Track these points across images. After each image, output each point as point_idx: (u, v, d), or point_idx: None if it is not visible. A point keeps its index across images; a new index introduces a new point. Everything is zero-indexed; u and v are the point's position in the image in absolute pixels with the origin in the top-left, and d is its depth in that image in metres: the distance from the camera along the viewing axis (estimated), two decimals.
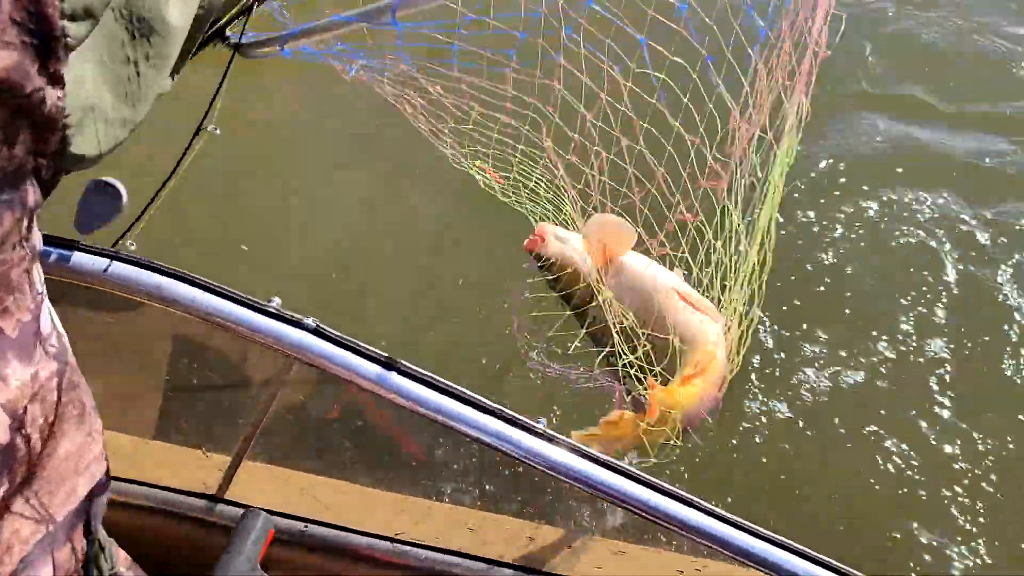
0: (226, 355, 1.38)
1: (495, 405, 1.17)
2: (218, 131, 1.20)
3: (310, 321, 1.16)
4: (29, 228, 0.52)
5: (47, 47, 0.47)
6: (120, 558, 0.77)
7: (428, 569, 1.47)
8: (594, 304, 1.84)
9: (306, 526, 1.52)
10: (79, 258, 1.09)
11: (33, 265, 0.54)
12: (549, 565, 1.43)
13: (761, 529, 1.14)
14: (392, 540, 1.50)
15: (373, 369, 1.15)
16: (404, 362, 1.17)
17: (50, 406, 0.57)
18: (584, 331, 1.84)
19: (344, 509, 1.54)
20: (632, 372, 1.70)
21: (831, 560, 1.12)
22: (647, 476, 1.18)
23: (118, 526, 0.82)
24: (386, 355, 1.16)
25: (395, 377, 1.16)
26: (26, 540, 0.55)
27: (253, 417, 1.37)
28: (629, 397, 1.70)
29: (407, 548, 1.49)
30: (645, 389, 1.68)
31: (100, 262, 1.10)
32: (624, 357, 1.70)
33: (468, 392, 1.17)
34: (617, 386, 1.72)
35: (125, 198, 1.06)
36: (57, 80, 0.49)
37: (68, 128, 0.54)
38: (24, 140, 0.48)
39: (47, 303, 0.57)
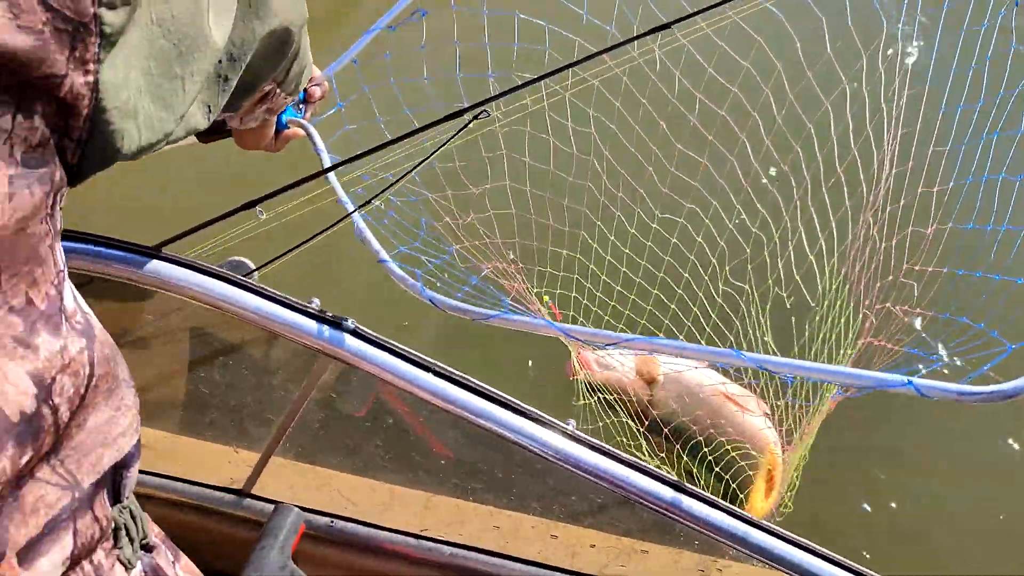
0: (259, 354, 1.41)
1: (527, 407, 1.20)
2: (263, 215, 1.25)
3: (349, 322, 1.18)
4: (54, 206, 0.54)
5: (77, 33, 0.48)
6: (154, 531, 0.78)
7: (453, 565, 1.50)
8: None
9: (332, 521, 1.55)
10: (126, 255, 1.12)
11: (56, 242, 0.56)
12: (572, 563, 1.46)
13: (781, 530, 1.17)
14: (418, 536, 1.53)
15: (409, 370, 1.18)
16: (438, 363, 1.19)
17: (82, 379, 0.59)
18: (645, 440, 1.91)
19: (370, 506, 1.57)
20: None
21: (849, 562, 1.14)
22: (672, 477, 1.21)
23: None
24: (421, 356, 1.19)
25: (430, 378, 1.19)
26: (51, 505, 0.57)
27: (284, 415, 1.39)
28: None
29: (433, 544, 1.52)
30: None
31: (145, 261, 1.12)
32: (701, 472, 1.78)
33: (500, 393, 1.20)
34: None
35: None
36: (85, 65, 0.50)
37: (110, 126, 0.55)
38: (45, 113, 0.49)
39: (68, 282, 0.59)
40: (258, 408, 1.48)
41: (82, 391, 0.59)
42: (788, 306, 1.93)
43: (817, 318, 1.90)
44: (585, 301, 2.04)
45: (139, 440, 0.70)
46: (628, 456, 1.21)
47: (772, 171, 1.93)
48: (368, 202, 1.31)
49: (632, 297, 2.04)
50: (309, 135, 1.31)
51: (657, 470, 1.17)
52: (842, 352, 1.83)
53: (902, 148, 1.73)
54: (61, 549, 0.59)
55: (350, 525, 1.54)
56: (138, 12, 0.54)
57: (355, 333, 1.19)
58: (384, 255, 1.22)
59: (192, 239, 1.23)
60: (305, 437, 1.52)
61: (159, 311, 1.32)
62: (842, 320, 1.85)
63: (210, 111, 0.70)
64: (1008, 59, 1.58)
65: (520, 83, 1.34)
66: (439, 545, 1.52)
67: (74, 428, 0.59)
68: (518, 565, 1.48)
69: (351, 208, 1.31)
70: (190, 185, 2.79)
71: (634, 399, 1.95)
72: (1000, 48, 1.59)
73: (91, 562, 0.65)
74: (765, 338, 1.90)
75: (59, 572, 0.60)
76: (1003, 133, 1.57)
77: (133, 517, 0.72)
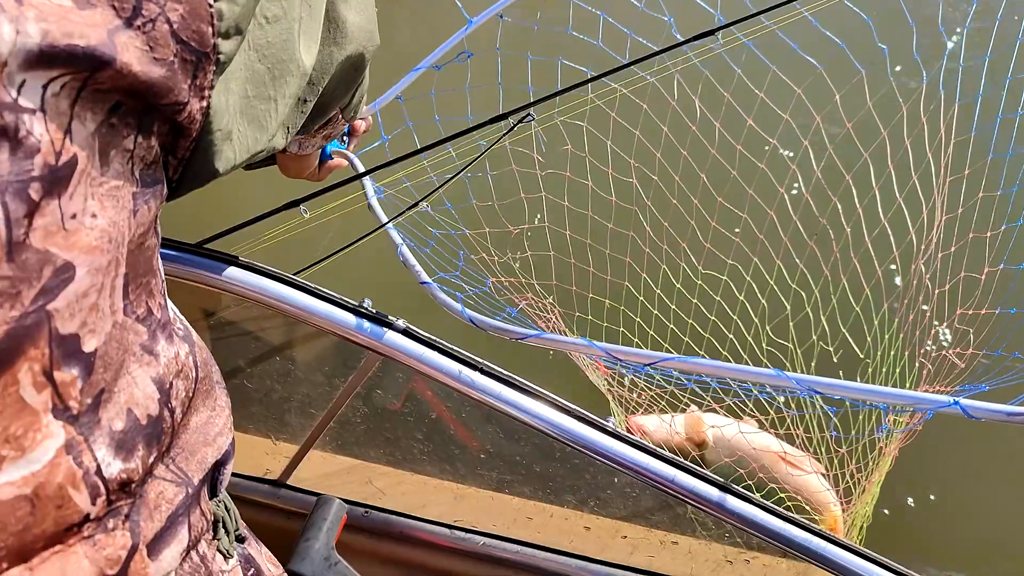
0: (304, 350, 1.44)
1: (571, 405, 1.24)
2: (307, 214, 1.27)
3: (400, 322, 1.21)
4: (157, 219, 0.56)
5: (199, 63, 0.50)
6: (243, 523, 0.82)
7: (486, 555, 1.54)
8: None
9: (366, 511, 1.59)
10: (192, 259, 1.15)
11: (158, 253, 0.58)
12: (604, 554, 1.51)
13: (820, 528, 1.21)
14: (451, 527, 1.57)
15: (458, 368, 1.21)
16: (485, 362, 1.23)
17: (191, 383, 0.62)
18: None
19: (404, 497, 1.60)
20: None
21: (892, 562, 1.19)
22: (704, 471, 1.25)
23: None
24: (470, 355, 1.22)
25: (478, 376, 1.22)
26: (171, 500, 0.61)
27: (327, 410, 1.42)
28: None
29: (466, 535, 1.56)
30: None
31: (216, 265, 1.15)
32: None
33: (546, 392, 1.23)
34: None
35: None
36: (201, 92, 0.52)
37: (213, 147, 0.57)
38: (160, 133, 0.51)
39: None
40: (301, 402, 1.50)
41: (191, 394, 0.63)
42: (835, 360, 1.93)
43: (870, 370, 1.91)
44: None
45: (234, 439, 0.73)
46: (663, 452, 1.26)
47: (813, 236, 1.93)
48: (403, 213, 1.34)
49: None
50: (353, 166, 1.33)
51: (702, 470, 1.21)
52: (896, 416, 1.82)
53: (951, 195, 1.75)
54: (179, 542, 0.63)
55: (384, 515, 1.58)
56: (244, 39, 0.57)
57: (406, 332, 1.22)
58: (425, 276, 1.24)
59: (232, 237, 1.27)
60: (343, 430, 1.55)
61: (204, 306, 1.35)
62: (897, 370, 1.85)
63: (288, 132, 0.73)
64: None
65: (562, 88, 1.38)
66: (471, 535, 1.56)
67: (182, 428, 0.63)
68: (548, 555, 1.53)
69: (384, 219, 1.33)
70: (231, 184, 2.79)
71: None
72: None
73: (198, 552, 0.68)
74: (816, 398, 1.89)
75: (178, 563, 0.63)
76: None
77: (227, 510, 0.76)
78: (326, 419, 1.44)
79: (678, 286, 2.02)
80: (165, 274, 1.11)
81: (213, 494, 0.73)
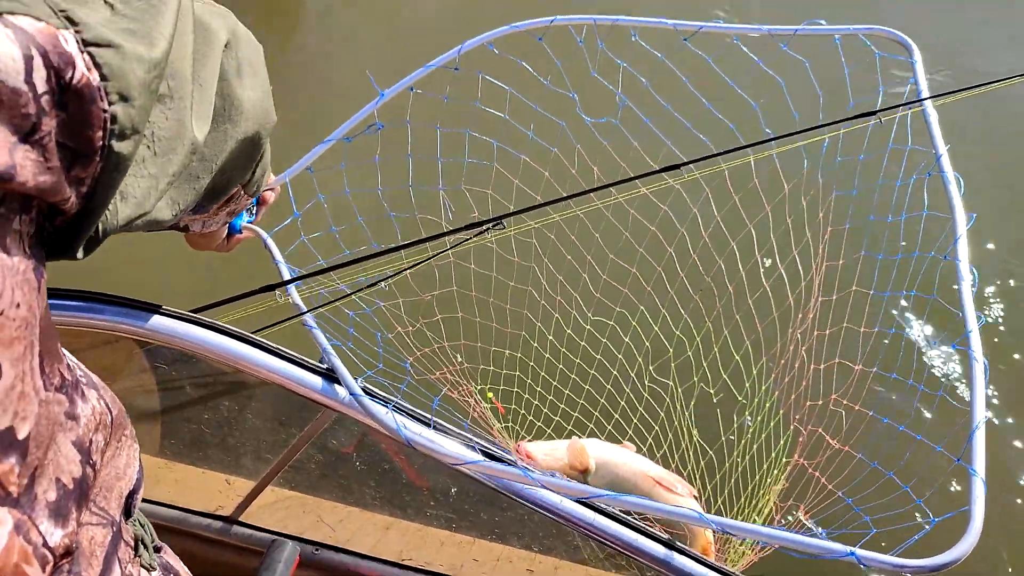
0: (260, 398, 1.46)
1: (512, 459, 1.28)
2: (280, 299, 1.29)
3: (359, 381, 1.24)
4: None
5: (79, 161, 0.51)
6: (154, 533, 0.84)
7: None
8: None
9: (317, 550, 1.61)
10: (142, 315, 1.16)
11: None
12: None
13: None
14: (401, 567, 1.60)
15: (420, 430, 1.25)
16: (441, 422, 1.26)
17: (108, 428, 0.64)
18: None
19: (354, 534, 1.63)
20: None
21: None
22: (647, 527, 1.31)
23: None
24: (432, 418, 1.26)
25: (441, 438, 1.25)
26: (102, 543, 0.63)
27: (281, 456, 1.45)
28: None
29: (413, 574, 1.59)
30: None
31: (179, 327, 1.16)
32: None
33: (502, 451, 1.27)
34: None
35: None
36: (81, 183, 0.53)
37: (89, 217, 0.56)
38: (41, 210, 0.51)
39: None
40: (256, 447, 1.52)
41: (108, 439, 0.65)
42: (715, 401, 2.09)
43: (747, 413, 2.04)
44: (526, 395, 2.19)
45: (142, 465, 0.76)
46: (609, 509, 1.31)
47: (699, 291, 2.07)
48: (323, 306, 1.36)
49: (567, 392, 2.20)
50: (265, 244, 1.35)
51: (646, 527, 1.27)
52: (777, 459, 1.95)
53: (828, 280, 1.86)
54: (113, 574, 0.65)
55: (335, 553, 1.61)
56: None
57: (365, 392, 1.25)
58: (356, 388, 1.21)
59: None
60: (296, 472, 1.58)
61: (163, 358, 1.36)
62: (771, 425, 1.96)
63: (179, 207, 0.73)
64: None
65: (533, 204, 1.40)
66: (420, 575, 1.60)
67: (100, 471, 0.65)
68: None
69: (304, 309, 1.33)
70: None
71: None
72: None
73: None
74: (693, 430, 2.06)
75: None
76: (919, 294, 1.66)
77: (142, 525, 0.78)
78: (280, 464, 1.46)
79: (568, 331, 2.17)
80: (130, 334, 1.11)
81: (128, 515, 0.75)
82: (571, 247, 2.10)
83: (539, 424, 2.19)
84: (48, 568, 0.52)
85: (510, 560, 1.59)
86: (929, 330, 1.71)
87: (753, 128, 1.76)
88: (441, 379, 1.91)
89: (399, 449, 1.57)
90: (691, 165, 1.50)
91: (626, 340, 2.14)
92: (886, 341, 1.85)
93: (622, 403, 2.15)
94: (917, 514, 1.23)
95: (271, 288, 1.33)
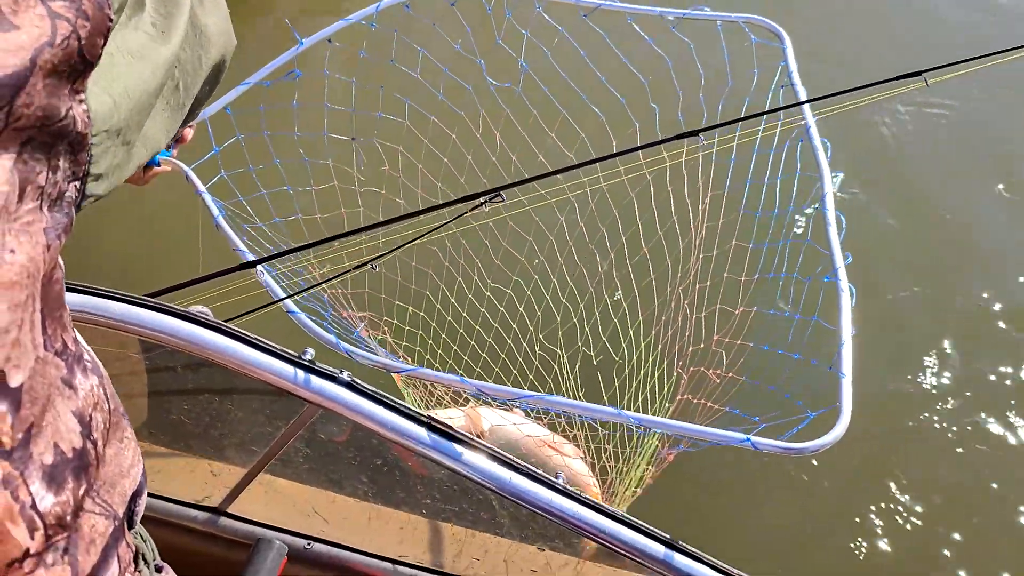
0: (247, 389, 1.38)
1: (518, 461, 1.21)
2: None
3: (345, 375, 1.17)
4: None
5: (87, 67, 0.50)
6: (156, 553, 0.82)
7: None
8: None
9: (309, 543, 1.55)
10: (114, 305, 1.08)
11: (64, 287, 0.58)
12: None
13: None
14: (394, 562, 1.54)
15: (404, 424, 1.18)
16: (435, 418, 1.19)
17: (107, 414, 0.63)
18: None
19: (348, 527, 1.57)
20: None
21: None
22: (648, 526, 1.24)
23: None
24: (417, 411, 1.18)
25: (423, 432, 1.18)
26: (103, 533, 0.61)
27: (268, 448, 1.38)
28: None
29: (409, 570, 1.53)
30: None
31: (137, 311, 1.09)
32: None
33: (497, 450, 1.20)
34: None
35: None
36: (78, 95, 0.51)
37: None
38: (64, 169, 0.51)
39: None
40: (242, 439, 1.46)
41: (108, 425, 0.63)
42: (595, 363, 2.29)
43: (626, 371, 2.20)
44: (427, 356, 2.37)
45: (144, 470, 0.73)
46: (609, 508, 1.24)
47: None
48: (303, 291, 1.51)
49: (466, 359, 2.34)
50: (187, 177, 1.42)
51: (648, 526, 1.20)
52: (660, 404, 2.11)
53: (709, 238, 2.04)
54: (111, 572, 0.63)
55: (327, 547, 1.54)
56: None
57: (351, 386, 1.17)
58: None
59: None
60: (285, 464, 1.51)
61: (144, 347, 1.28)
62: (656, 376, 2.12)
63: (169, 136, 0.74)
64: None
65: (530, 177, 1.57)
66: (414, 571, 1.53)
67: (101, 461, 0.62)
68: None
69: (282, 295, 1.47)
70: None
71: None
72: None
73: None
74: (580, 392, 2.27)
75: None
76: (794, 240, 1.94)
77: (144, 541, 0.77)
78: (266, 457, 1.39)
79: (470, 296, 2.33)
80: (107, 324, 1.08)
81: (130, 526, 0.72)
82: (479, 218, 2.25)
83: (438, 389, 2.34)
84: (38, 536, 0.51)
85: (512, 559, 1.52)
86: (802, 272, 1.89)
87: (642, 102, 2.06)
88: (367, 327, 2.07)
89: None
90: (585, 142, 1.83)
91: (519, 309, 2.31)
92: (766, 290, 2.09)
93: (514, 372, 2.29)
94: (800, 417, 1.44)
95: (250, 266, 1.35)
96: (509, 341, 2.32)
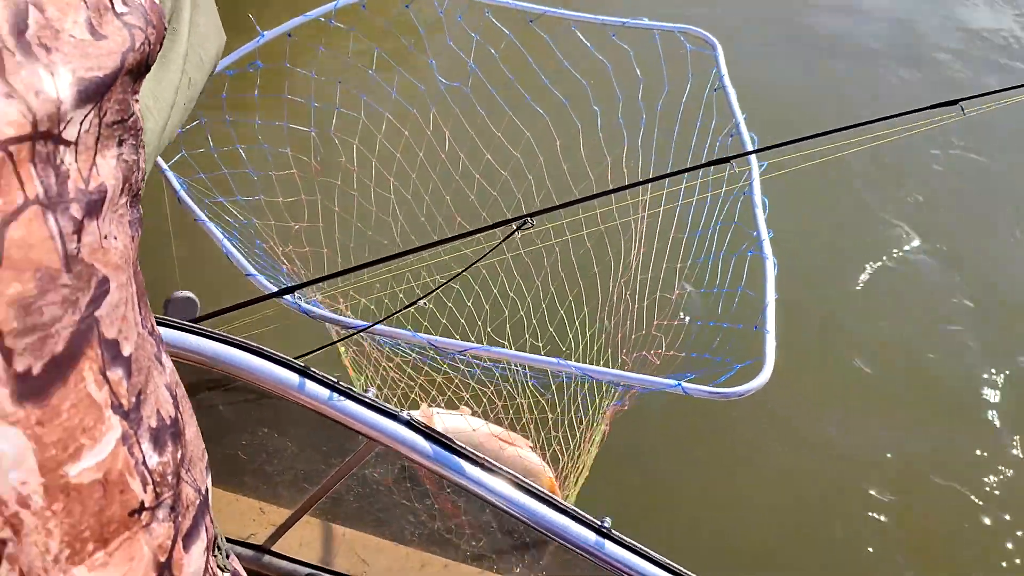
0: (303, 423, 1.42)
1: (561, 502, 1.23)
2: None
3: (404, 414, 1.21)
4: None
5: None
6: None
7: None
8: None
9: None
10: (197, 341, 1.13)
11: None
12: None
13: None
14: None
15: (457, 462, 1.21)
16: (491, 461, 1.22)
17: (183, 394, 0.67)
18: None
19: (388, 572, 1.58)
20: None
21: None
22: (584, 514, 1.24)
23: None
24: (474, 452, 1.22)
25: (474, 470, 1.21)
26: (193, 503, 0.65)
27: (320, 487, 1.41)
28: None
29: None
30: None
31: (214, 346, 1.14)
32: None
33: (545, 491, 1.23)
34: None
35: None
36: (136, 95, 0.55)
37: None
38: (141, 164, 0.56)
39: None
40: (294, 475, 1.49)
41: (184, 403, 0.67)
42: (543, 353, 2.22)
43: (573, 359, 2.15)
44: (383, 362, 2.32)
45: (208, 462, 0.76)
46: (552, 496, 1.24)
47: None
48: (300, 286, 1.56)
49: (414, 356, 2.26)
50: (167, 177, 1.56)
51: (584, 514, 1.23)
52: (608, 390, 2.14)
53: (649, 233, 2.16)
54: (201, 540, 0.66)
55: None
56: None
57: (409, 425, 1.21)
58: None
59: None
60: (334, 503, 1.53)
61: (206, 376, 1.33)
62: (601, 363, 2.21)
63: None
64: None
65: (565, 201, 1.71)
66: None
67: (184, 436, 0.67)
68: None
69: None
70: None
71: None
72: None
73: (208, 566, 0.69)
74: (528, 383, 2.20)
75: (202, 561, 0.66)
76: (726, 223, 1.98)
77: (217, 531, 0.78)
78: (318, 495, 1.42)
79: (417, 291, 2.32)
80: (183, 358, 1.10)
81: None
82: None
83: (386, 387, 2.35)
84: (149, 491, 0.56)
85: None
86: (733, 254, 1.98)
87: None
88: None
89: (437, 481, 1.53)
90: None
91: (468, 304, 2.35)
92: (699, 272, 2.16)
93: (462, 367, 2.25)
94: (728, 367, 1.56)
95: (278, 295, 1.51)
96: (457, 336, 2.34)
